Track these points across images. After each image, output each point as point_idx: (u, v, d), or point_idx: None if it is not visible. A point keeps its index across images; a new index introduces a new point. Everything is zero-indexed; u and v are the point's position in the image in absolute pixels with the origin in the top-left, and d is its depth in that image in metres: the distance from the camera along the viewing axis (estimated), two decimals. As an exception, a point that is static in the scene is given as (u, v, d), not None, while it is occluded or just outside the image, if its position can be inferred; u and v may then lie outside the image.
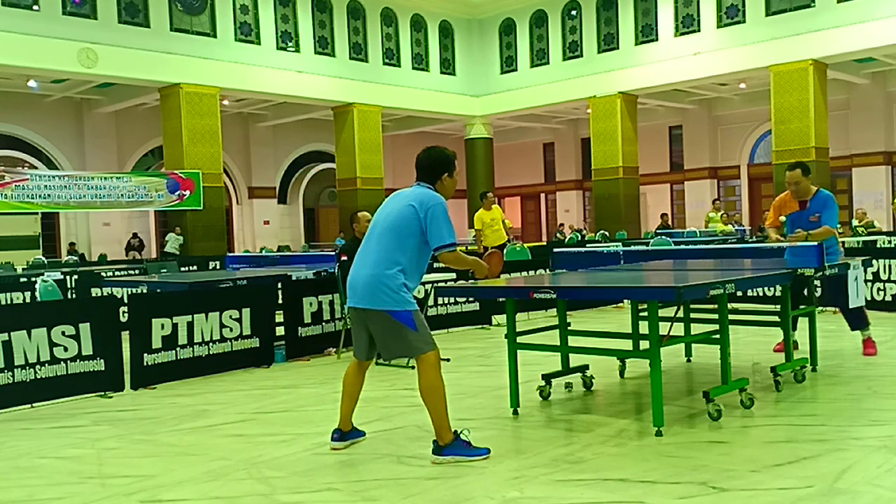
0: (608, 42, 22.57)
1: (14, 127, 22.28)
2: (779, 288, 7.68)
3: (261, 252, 18.69)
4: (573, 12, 23.23)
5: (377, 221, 4.39)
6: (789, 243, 6.09)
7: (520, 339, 5.22)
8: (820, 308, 6.54)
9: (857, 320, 6.71)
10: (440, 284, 6.55)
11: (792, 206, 6.79)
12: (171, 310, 6.88)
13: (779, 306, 6.02)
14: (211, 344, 7.07)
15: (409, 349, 4.24)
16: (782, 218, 6.91)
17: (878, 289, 9.22)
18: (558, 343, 5.59)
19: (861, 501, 3.38)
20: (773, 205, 7.02)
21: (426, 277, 7.65)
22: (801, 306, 6.19)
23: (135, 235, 23.87)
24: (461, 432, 4.23)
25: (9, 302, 9.42)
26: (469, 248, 14.12)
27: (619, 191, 22.56)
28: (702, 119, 27.24)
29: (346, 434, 4.54)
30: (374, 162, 22.94)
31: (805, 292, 6.25)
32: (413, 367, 6.72)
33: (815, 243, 5.64)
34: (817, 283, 6.76)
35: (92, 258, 21.16)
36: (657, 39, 21.55)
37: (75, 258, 19.36)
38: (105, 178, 18.86)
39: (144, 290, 8.45)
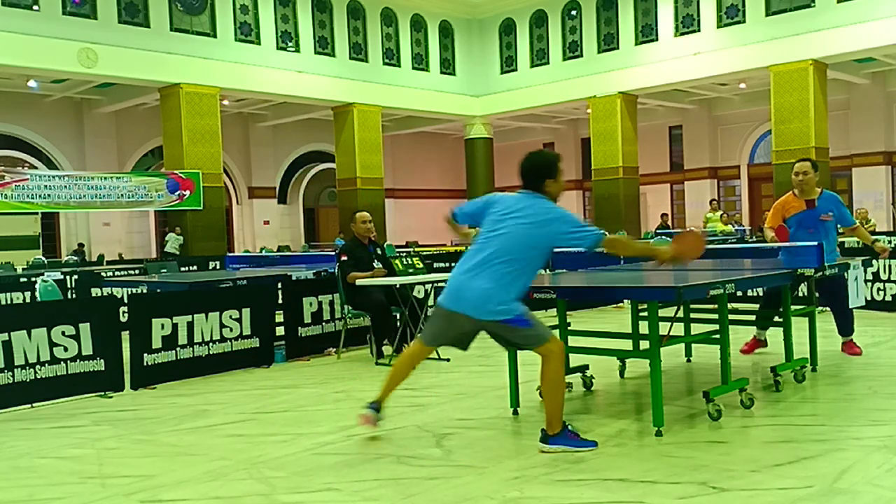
0: (608, 42, 22.56)
1: (14, 127, 22.27)
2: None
3: (261, 252, 18.67)
4: (573, 12, 23.22)
5: (493, 226, 4.37)
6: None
7: (520, 339, 5.22)
8: (819, 308, 6.50)
9: (847, 325, 6.71)
10: (440, 284, 6.54)
11: (797, 206, 6.62)
12: (171, 310, 6.88)
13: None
14: (211, 344, 7.07)
15: (530, 342, 4.33)
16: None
17: (878, 289, 9.22)
18: (558, 343, 5.58)
19: (861, 501, 3.38)
20: (774, 206, 6.83)
21: (426, 277, 7.65)
22: (801, 305, 6.19)
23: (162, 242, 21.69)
24: (569, 424, 4.36)
25: (9, 302, 9.42)
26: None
27: (619, 191, 22.55)
28: (702, 119, 27.22)
29: (381, 410, 4.60)
30: (374, 162, 22.94)
31: (805, 292, 6.24)
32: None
33: (816, 244, 5.64)
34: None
35: (92, 258, 21.13)
36: (657, 39, 21.54)
37: (76, 259, 19.34)
38: (105, 178, 18.85)
39: (144, 290, 8.45)
